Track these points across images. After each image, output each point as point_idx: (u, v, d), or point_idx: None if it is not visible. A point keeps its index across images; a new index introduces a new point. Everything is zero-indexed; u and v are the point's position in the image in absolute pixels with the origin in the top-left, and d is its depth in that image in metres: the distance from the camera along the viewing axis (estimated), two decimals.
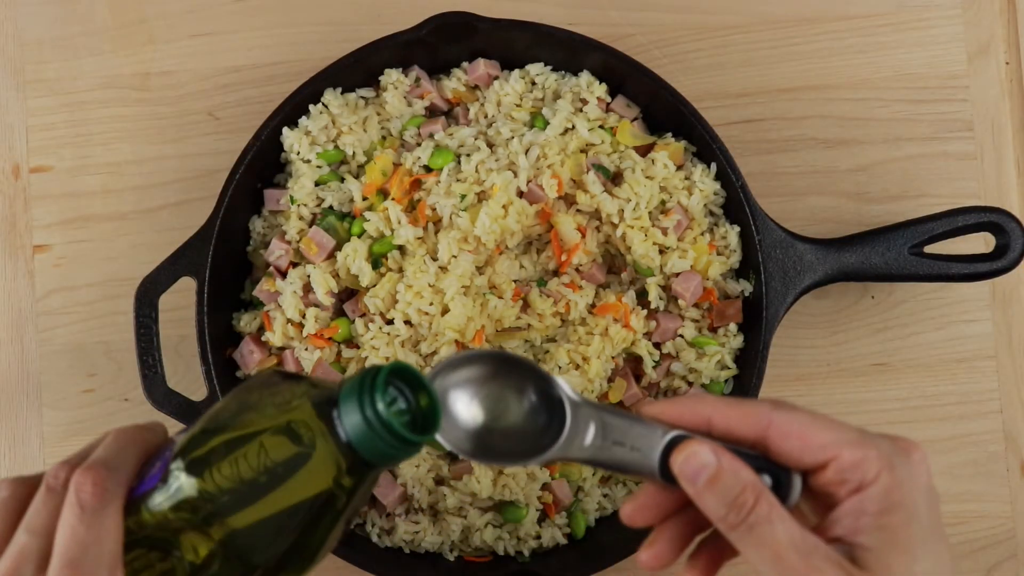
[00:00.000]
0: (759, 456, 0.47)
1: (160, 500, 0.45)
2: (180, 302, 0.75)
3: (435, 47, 0.75)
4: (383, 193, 0.74)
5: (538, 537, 0.74)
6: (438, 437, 0.46)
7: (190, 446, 0.45)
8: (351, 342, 0.73)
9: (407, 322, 0.72)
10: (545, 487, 0.73)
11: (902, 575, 0.44)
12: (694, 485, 0.46)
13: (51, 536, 0.45)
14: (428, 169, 0.74)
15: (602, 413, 0.48)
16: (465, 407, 0.48)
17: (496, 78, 0.77)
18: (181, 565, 0.45)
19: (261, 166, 0.75)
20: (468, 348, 0.70)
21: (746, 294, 0.74)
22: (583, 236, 0.73)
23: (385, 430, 0.43)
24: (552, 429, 0.48)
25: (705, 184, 0.74)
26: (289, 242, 0.75)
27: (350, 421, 0.44)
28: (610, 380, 0.73)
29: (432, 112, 0.77)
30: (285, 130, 0.75)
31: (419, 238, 0.72)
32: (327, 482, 0.44)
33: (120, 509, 0.45)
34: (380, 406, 0.43)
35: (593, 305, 0.74)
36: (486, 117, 0.76)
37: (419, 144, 0.75)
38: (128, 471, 0.46)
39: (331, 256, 0.74)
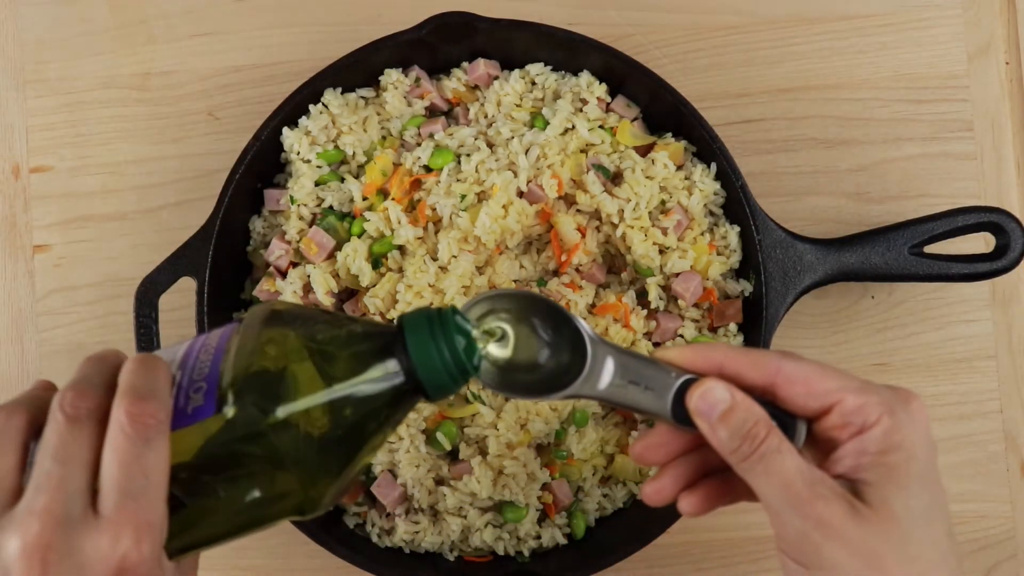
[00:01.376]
0: (767, 403, 0.49)
1: (212, 432, 0.45)
2: (180, 302, 0.75)
3: (435, 47, 0.75)
4: (383, 193, 0.74)
5: (538, 537, 0.74)
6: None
7: (246, 377, 0.45)
8: None
9: None
10: (545, 487, 0.73)
11: (900, 508, 0.47)
12: (708, 419, 0.48)
13: (92, 467, 0.43)
14: (428, 169, 0.74)
15: (620, 353, 0.50)
16: (491, 342, 0.51)
17: (496, 78, 0.77)
18: (215, 494, 0.45)
19: (261, 166, 0.75)
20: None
21: (746, 294, 0.74)
22: (583, 236, 0.73)
23: (453, 363, 0.47)
24: (573, 368, 0.50)
25: (705, 184, 0.74)
26: (289, 242, 0.75)
27: (420, 353, 0.47)
28: None
29: (432, 112, 0.77)
30: (285, 130, 0.75)
31: (419, 238, 0.72)
32: (385, 409, 0.47)
33: (168, 440, 0.44)
34: (457, 339, 0.47)
35: (593, 305, 0.74)
36: (486, 117, 0.76)
37: (419, 144, 0.75)
38: (169, 401, 0.45)
39: (331, 256, 0.74)
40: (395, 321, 0.49)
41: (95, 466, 0.43)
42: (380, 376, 0.47)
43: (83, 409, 0.44)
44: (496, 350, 0.51)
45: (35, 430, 0.45)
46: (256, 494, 0.45)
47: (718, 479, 0.53)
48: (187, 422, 0.45)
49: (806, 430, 0.50)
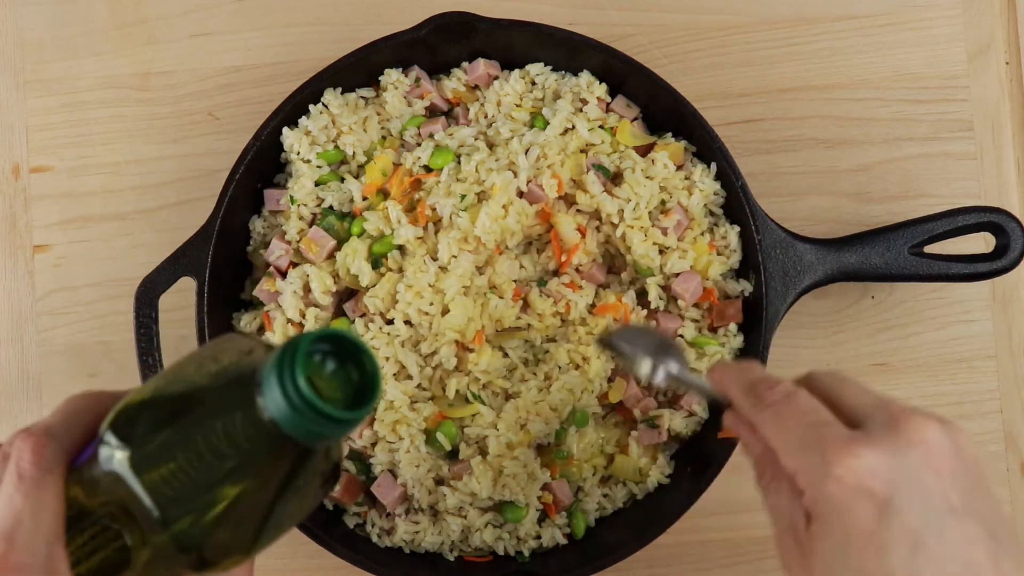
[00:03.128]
0: None
1: (94, 472, 0.42)
2: (180, 302, 0.75)
3: (435, 47, 0.75)
4: (383, 193, 0.74)
5: (538, 537, 0.74)
6: None
7: (121, 415, 0.42)
8: None
9: (407, 322, 0.72)
10: (545, 487, 0.73)
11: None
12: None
13: None
14: (428, 169, 0.74)
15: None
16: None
17: (496, 78, 0.77)
18: (124, 543, 0.42)
19: (261, 166, 0.75)
20: (469, 346, 0.71)
21: (746, 294, 0.74)
22: (583, 236, 0.73)
23: (308, 408, 0.39)
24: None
25: (705, 184, 0.74)
26: (289, 242, 0.75)
27: (271, 398, 0.39)
28: (610, 380, 0.73)
29: (432, 112, 0.77)
30: (285, 130, 0.75)
31: (419, 238, 0.72)
32: (255, 462, 0.41)
33: (60, 479, 0.42)
34: (301, 383, 0.38)
35: (593, 305, 0.74)
36: (486, 117, 0.76)
37: (419, 144, 0.75)
38: (72, 439, 0.44)
39: (331, 256, 0.74)
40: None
41: None
42: (242, 425, 0.40)
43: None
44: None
45: None
46: (139, 546, 0.42)
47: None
48: (80, 461, 0.43)
49: None
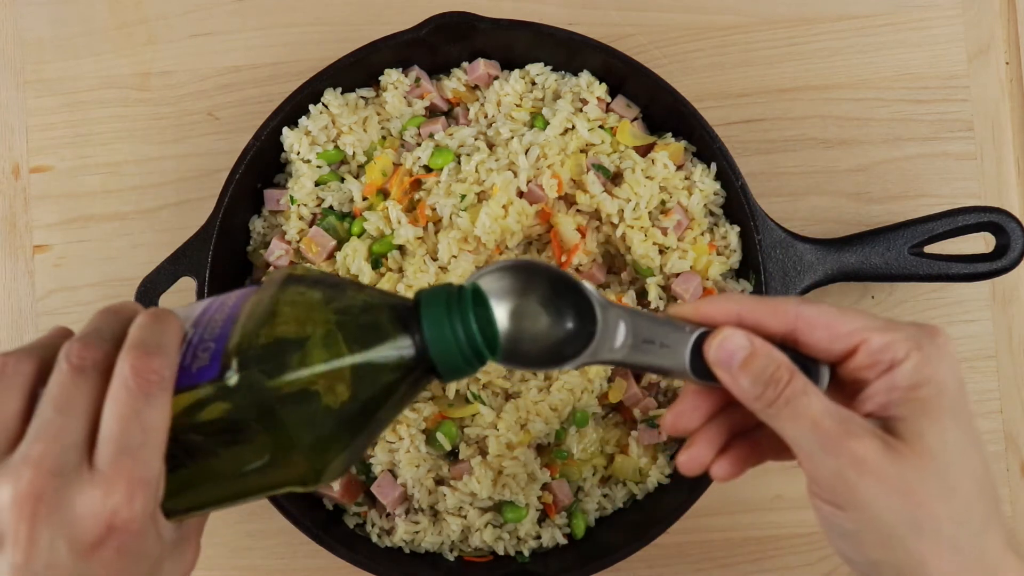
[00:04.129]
0: (787, 349, 0.48)
1: (214, 394, 0.43)
2: (180, 302, 0.75)
3: (435, 47, 0.75)
4: (383, 193, 0.74)
5: (538, 537, 0.74)
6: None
7: (253, 341, 0.44)
8: None
9: None
10: (545, 487, 0.73)
11: (935, 441, 0.45)
12: (729, 369, 0.47)
13: (92, 419, 0.42)
14: (428, 169, 0.74)
15: (631, 315, 0.49)
16: (498, 315, 0.49)
17: (496, 78, 0.77)
18: (216, 457, 0.44)
19: (261, 166, 0.75)
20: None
21: (746, 294, 0.74)
22: (583, 236, 0.73)
23: (468, 346, 0.45)
24: (583, 334, 0.49)
25: (705, 184, 0.74)
26: (289, 242, 0.75)
27: (434, 333, 0.45)
28: (610, 380, 0.73)
29: (432, 112, 0.77)
30: (285, 130, 0.75)
31: (419, 238, 0.72)
32: (395, 387, 0.46)
33: (171, 397, 0.43)
34: (472, 323, 0.45)
35: None
36: (486, 117, 0.76)
37: (419, 144, 0.75)
38: (176, 358, 0.44)
39: (331, 256, 0.74)
40: (414, 295, 0.47)
41: (95, 418, 0.43)
42: (390, 352, 0.45)
43: (88, 360, 0.43)
44: (500, 322, 0.49)
45: (44, 377, 0.44)
46: (254, 461, 0.44)
47: (746, 441, 0.51)
48: (191, 381, 0.44)
49: (829, 375, 0.48)
